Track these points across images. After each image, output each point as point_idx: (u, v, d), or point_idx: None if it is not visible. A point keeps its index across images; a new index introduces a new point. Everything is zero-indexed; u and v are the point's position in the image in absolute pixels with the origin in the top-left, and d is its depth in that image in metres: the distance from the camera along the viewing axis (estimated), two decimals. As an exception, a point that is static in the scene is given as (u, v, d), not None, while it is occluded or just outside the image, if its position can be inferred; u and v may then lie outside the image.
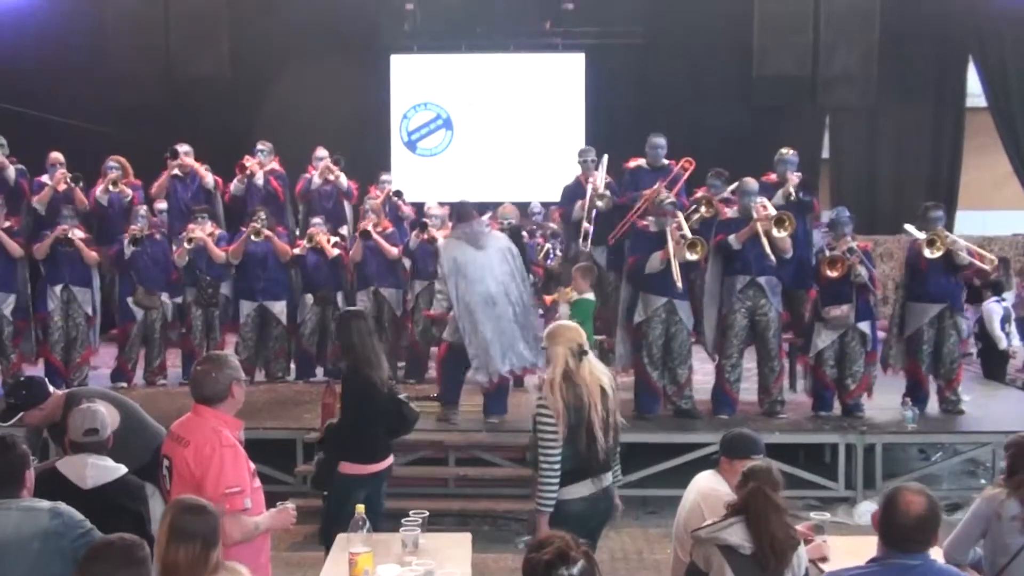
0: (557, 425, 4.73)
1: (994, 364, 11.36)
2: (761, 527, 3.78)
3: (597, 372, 4.91)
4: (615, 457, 5.04)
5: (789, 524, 3.89)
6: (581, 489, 4.82)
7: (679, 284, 8.44)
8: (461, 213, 8.73)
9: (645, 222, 8.98)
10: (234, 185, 11.21)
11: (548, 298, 8.24)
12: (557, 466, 4.75)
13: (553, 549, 2.81)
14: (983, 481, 8.66)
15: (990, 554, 4.51)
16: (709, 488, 4.49)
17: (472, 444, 8.40)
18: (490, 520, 8.03)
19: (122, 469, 4.33)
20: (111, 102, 14.06)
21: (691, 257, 8.46)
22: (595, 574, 2.84)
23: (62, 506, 3.77)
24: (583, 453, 4.75)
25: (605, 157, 10.55)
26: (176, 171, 11.12)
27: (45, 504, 3.76)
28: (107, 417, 4.42)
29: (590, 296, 8.41)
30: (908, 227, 9.36)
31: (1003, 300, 11.44)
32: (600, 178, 10.30)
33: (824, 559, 4.60)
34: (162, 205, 11.03)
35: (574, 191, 10.57)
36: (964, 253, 8.74)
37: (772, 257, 8.52)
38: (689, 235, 8.55)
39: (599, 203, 10.13)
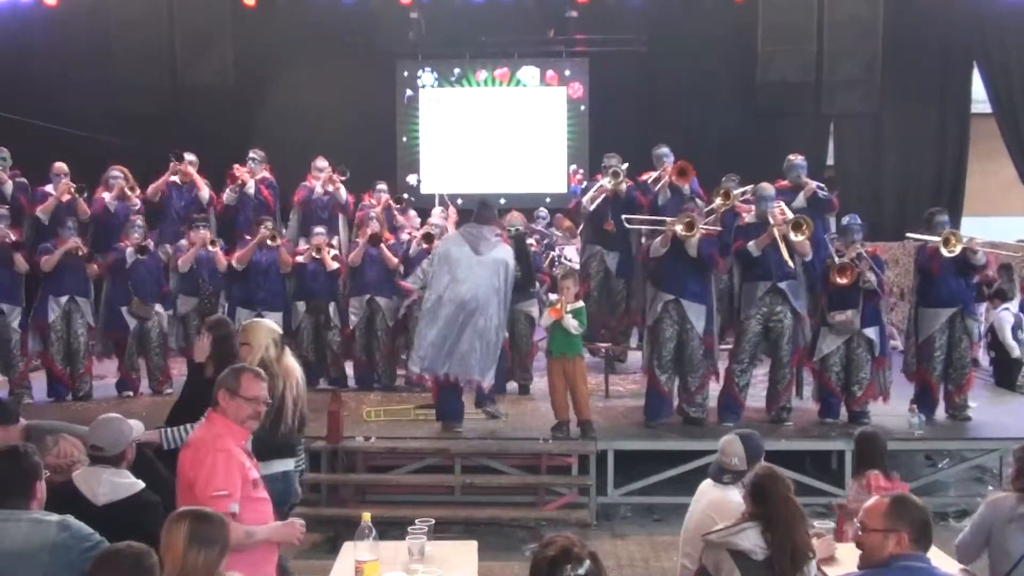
0: None
1: (1007, 373, 11.30)
2: (786, 535, 3.77)
3: (293, 364, 5.37)
4: (300, 445, 5.56)
5: (808, 533, 3.88)
6: (266, 468, 5.02)
7: (650, 250, 8.57)
8: (481, 213, 8.66)
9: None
10: (227, 195, 11.22)
11: (554, 311, 8.19)
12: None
13: (557, 547, 2.80)
14: (990, 488, 8.64)
15: (994, 559, 4.50)
16: (722, 497, 4.47)
17: (478, 452, 8.39)
18: (496, 528, 8.01)
19: (138, 485, 4.29)
20: (115, 111, 14.11)
21: (678, 229, 8.41)
22: (601, 574, 2.83)
23: (70, 519, 3.76)
24: (268, 434, 5.01)
25: (626, 164, 10.57)
26: (175, 178, 11.16)
27: (54, 517, 3.75)
28: (122, 432, 4.36)
29: (581, 303, 8.46)
30: (912, 235, 9.35)
31: (1007, 308, 11.40)
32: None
33: (832, 558, 4.60)
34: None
35: (591, 186, 10.67)
36: (981, 251, 8.73)
37: (791, 263, 8.51)
38: (695, 218, 8.57)
39: (606, 181, 10.16)
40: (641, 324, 9.23)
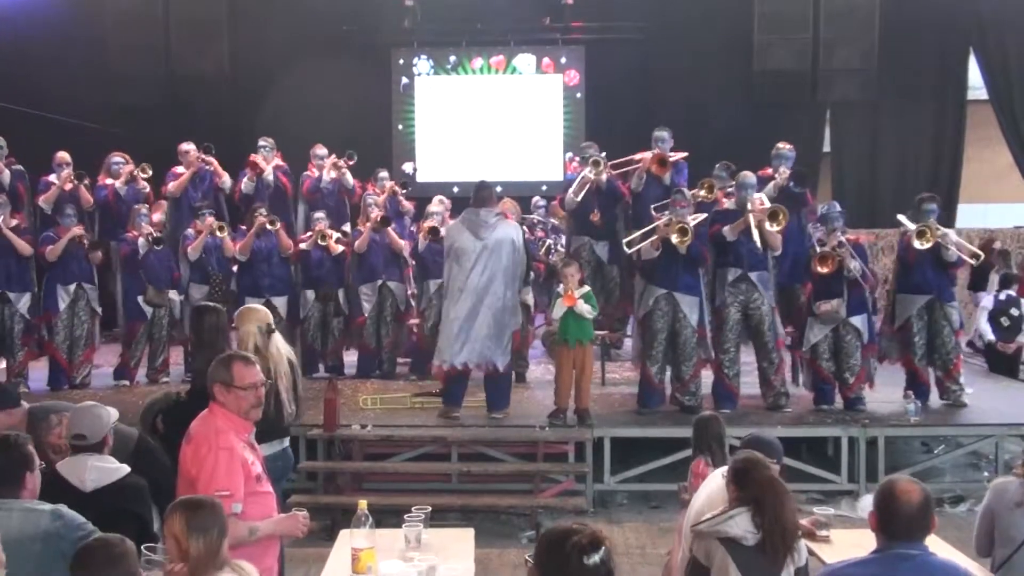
0: None
1: (1011, 358, 11.25)
2: (775, 516, 3.76)
3: (283, 349, 5.58)
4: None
5: (795, 511, 3.88)
6: (266, 449, 5.12)
7: (641, 252, 8.60)
8: (478, 196, 8.71)
9: (659, 215, 8.97)
10: (244, 184, 11.19)
11: (569, 298, 8.20)
12: None
13: (589, 534, 2.80)
14: (986, 474, 8.66)
15: (998, 544, 4.52)
16: (721, 489, 4.45)
17: (475, 439, 8.40)
18: (493, 515, 8.03)
19: (124, 470, 4.28)
20: (111, 101, 14.07)
21: (673, 239, 8.42)
22: (613, 560, 2.85)
23: (63, 508, 3.76)
24: (270, 417, 5.13)
25: (603, 153, 10.55)
26: (204, 164, 11.12)
27: (47, 506, 3.75)
28: (101, 419, 4.34)
29: (587, 287, 8.53)
30: (901, 217, 9.39)
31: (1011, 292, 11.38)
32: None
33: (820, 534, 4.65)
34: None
35: (572, 180, 10.65)
36: (953, 248, 8.77)
37: (763, 251, 8.52)
38: (688, 223, 8.56)
39: (589, 171, 10.18)
40: (636, 316, 9.22)
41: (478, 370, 8.57)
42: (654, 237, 8.59)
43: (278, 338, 5.58)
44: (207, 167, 11.16)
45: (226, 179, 11.23)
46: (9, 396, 4.95)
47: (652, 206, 9.55)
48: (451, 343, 8.41)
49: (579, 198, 10.32)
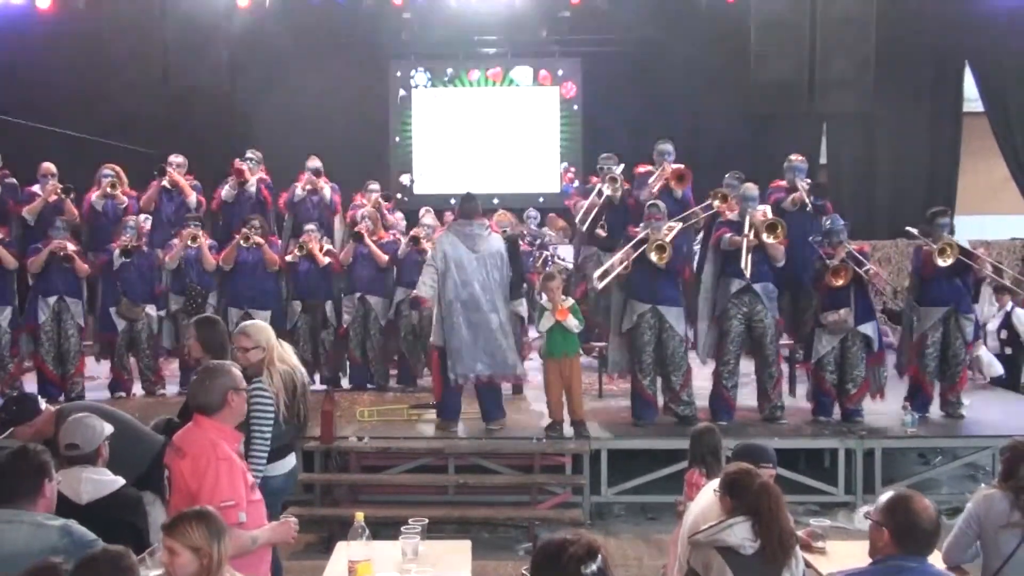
0: (275, 404, 4.96)
1: (1018, 370, 11.26)
2: (772, 522, 3.76)
3: (295, 360, 5.28)
4: None
5: (790, 517, 3.89)
6: (286, 464, 5.18)
7: (613, 272, 8.57)
8: (465, 209, 8.73)
9: (637, 229, 8.98)
10: (225, 191, 11.10)
11: (562, 312, 8.20)
12: (269, 443, 4.94)
13: (584, 543, 2.82)
14: (983, 485, 8.64)
15: (986, 556, 4.51)
16: (713, 502, 4.45)
17: (472, 451, 8.39)
18: (490, 527, 8.02)
19: (119, 482, 4.29)
20: (108, 112, 14.06)
21: (652, 257, 8.45)
22: (610, 569, 2.85)
23: (73, 524, 3.74)
24: (293, 430, 5.15)
25: (622, 165, 10.54)
26: (165, 183, 11.05)
27: (57, 521, 3.73)
28: (94, 430, 4.36)
29: (571, 300, 8.54)
30: (910, 229, 9.36)
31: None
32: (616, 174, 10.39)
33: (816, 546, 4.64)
34: (143, 217, 10.81)
35: (584, 188, 10.63)
36: (988, 265, 8.81)
37: (747, 272, 8.50)
38: (664, 240, 8.56)
39: (606, 188, 10.17)
40: (615, 330, 9.16)
41: (488, 381, 8.56)
42: (627, 262, 8.58)
43: (288, 347, 5.46)
44: (175, 182, 11.04)
45: (192, 198, 11.06)
46: (29, 408, 5.01)
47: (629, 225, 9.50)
48: (462, 355, 8.39)
49: (586, 227, 10.29)
